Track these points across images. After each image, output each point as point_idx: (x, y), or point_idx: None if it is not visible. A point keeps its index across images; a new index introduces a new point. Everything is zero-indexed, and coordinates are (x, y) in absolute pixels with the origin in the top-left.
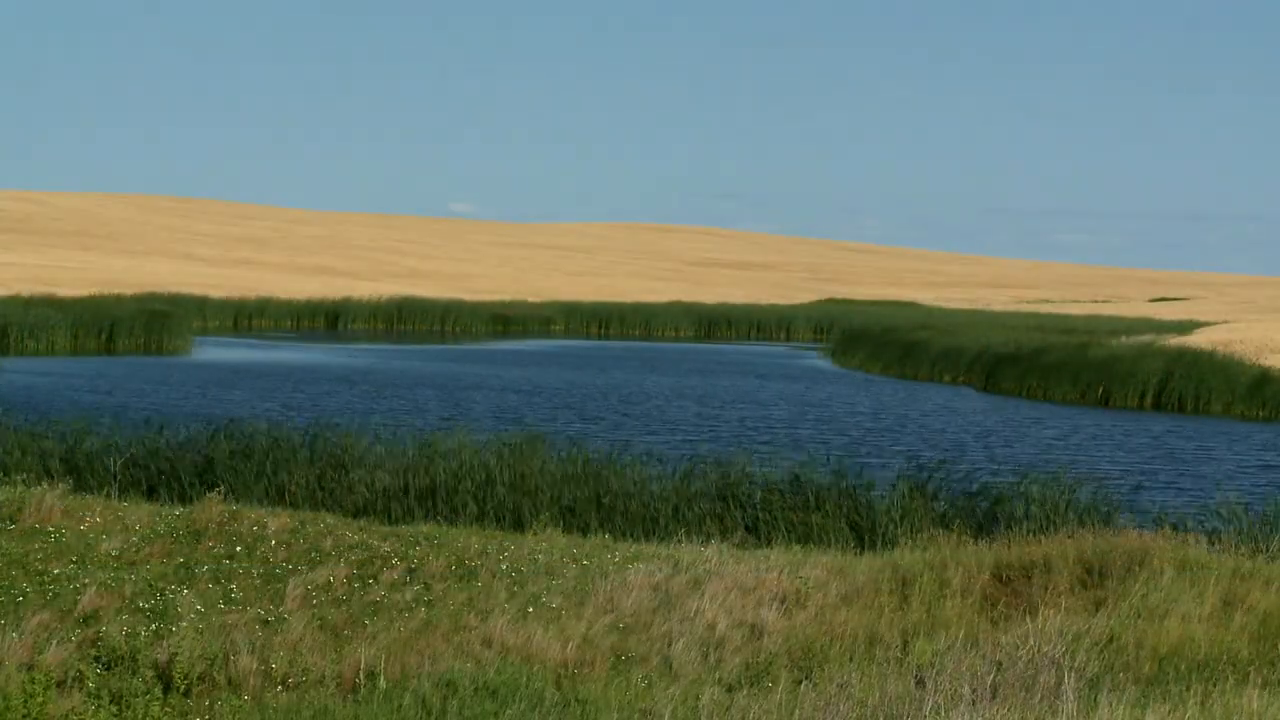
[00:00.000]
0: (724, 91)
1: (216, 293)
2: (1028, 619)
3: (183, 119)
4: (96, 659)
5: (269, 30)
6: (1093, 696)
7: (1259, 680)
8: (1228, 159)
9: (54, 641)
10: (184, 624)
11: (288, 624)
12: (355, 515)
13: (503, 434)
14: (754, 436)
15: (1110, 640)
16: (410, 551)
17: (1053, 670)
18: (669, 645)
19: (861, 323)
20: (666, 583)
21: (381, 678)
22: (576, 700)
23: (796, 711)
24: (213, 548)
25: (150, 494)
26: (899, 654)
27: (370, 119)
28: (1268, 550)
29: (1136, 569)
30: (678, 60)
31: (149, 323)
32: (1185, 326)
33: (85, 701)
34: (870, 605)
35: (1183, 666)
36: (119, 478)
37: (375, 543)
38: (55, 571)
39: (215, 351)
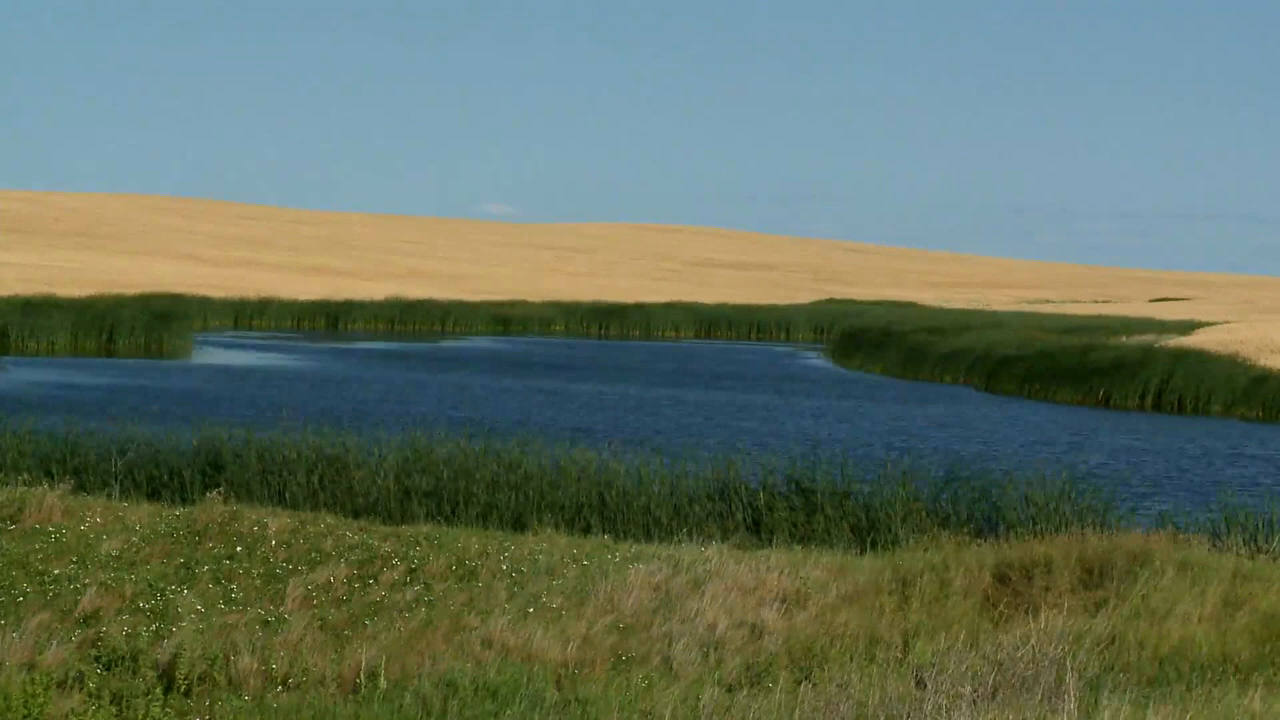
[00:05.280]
0: (724, 92)
1: (217, 293)
2: (1029, 619)
3: (183, 119)
4: (97, 659)
5: (270, 30)
6: (1094, 697)
7: (1260, 681)
8: (1227, 159)
9: (54, 642)
10: (184, 624)
11: (288, 624)
12: (355, 515)
13: (503, 435)
14: None
15: (1111, 641)
16: (410, 552)
17: (1053, 670)
18: (669, 645)
19: (862, 323)
20: (667, 583)
21: (382, 678)
22: (576, 700)
23: (796, 712)
24: (213, 548)
25: (151, 494)
26: (899, 654)
27: (371, 119)
28: (1269, 550)
29: (1138, 569)
30: (678, 62)
31: (150, 323)
32: (1186, 327)
33: (85, 702)
34: (871, 606)
35: (1184, 667)
36: (120, 478)
37: (375, 543)
38: (56, 572)
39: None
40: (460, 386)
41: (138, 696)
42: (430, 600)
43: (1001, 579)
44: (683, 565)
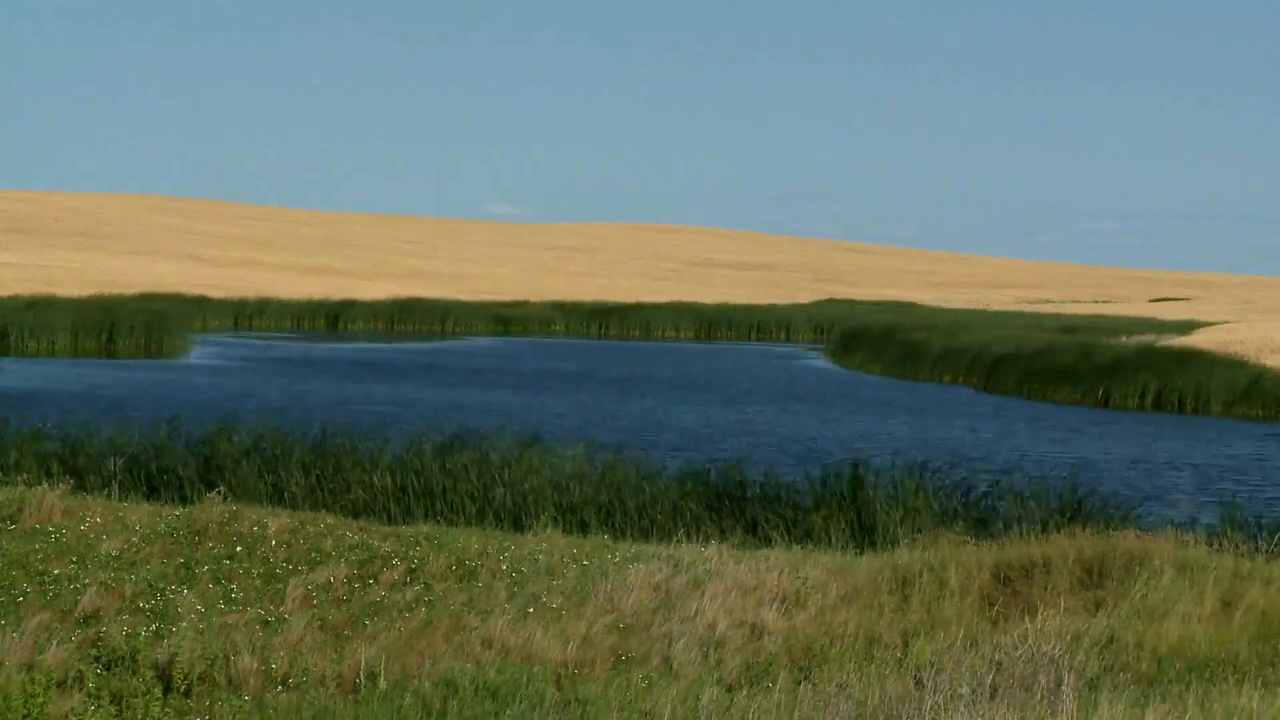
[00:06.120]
0: (724, 92)
1: (217, 293)
2: (1027, 619)
3: (183, 119)
4: (96, 659)
5: (270, 30)
6: (1092, 696)
7: (1258, 680)
8: (1227, 159)
9: (54, 642)
10: (184, 624)
11: (288, 624)
12: (355, 515)
13: (502, 434)
14: None
15: (1110, 640)
16: (410, 552)
17: (1052, 670)
18: (669, 645)
19: (862, 323)
20: (667, 583)
21: (382, 678)
22: (577, 700)
23: (796, 711)
24: (213, 548)
25: (150, 494)
26: (898, 654)
27: (371, 119)
28: (1267, 550)
29: (1136, 569)
30: (678, 62)
31: (150, 323)
32: (1185, 326)
33: (85, 701)
34: (870, 605)
35: (1182, 666)
36: (119, 478)
37: (375, 543)
38: (55, 572)
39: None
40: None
41: (137, 696)
42: (430, 600)
43: (1000, 579)
44: (683, 565)
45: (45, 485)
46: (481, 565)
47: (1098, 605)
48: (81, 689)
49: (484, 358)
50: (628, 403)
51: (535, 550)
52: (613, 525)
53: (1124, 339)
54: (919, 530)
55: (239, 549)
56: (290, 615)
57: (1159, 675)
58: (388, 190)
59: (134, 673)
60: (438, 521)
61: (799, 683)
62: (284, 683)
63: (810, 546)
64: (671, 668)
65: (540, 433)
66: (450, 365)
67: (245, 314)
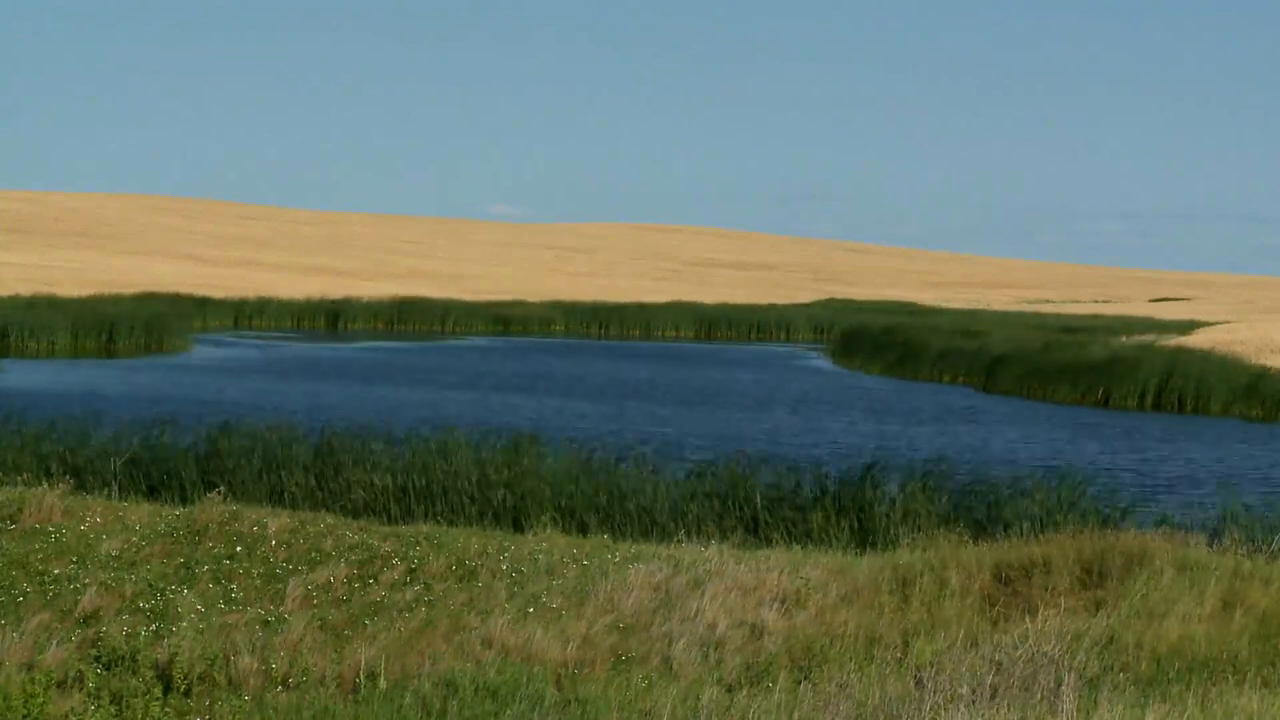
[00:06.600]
0: (724, 92)
1: (217, 293)
2: (1027, 619)
3: (183, 119)
4: (96, 659)
5: (270, 30)
6: (1092, 697)
7: (1258, 680)
8: (1227, 159)
9: (54, 641)
10: (184, 624)
11: (288, 624)
12: (355, 515)
13: (502, 434)
14: None
15: (1110, 640)
16: (410, 552)
17: (1052, 670)
18: (669, 645)
19: (861, 323)
20: (667, 583)
21: (382, 678)
22: (577, 700)
23: (796, 711)
24: (213, 548)
25: (150, 494)
26: (898, 654)
27: (371, 119)
28: (1267, 550)
29: (1136, 569)
30: (678, 62)
31: (150, 323)
32: (1185, 326)
33: (85, 701)
34: (870, 605)
35: (1182, 666)
36: (119, 478)
37: (375, 543)
38: (55, 571)
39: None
40: None
41: (137, 696)
42: (430, 600)
43: (1000, 579)
44: (683, 565)
45: (45, 485)
46: (481, 565)
47: (1098, 605)
48: (81, 689)
49: (490, 358)
50: (642, 408)
51: (535, 550)
52: (613, 525)
53: (1124, 339)
54: (919, 530)
55: (239, 549)
56: (290, 615)
57: (1159, 675)
58: (388, 190)
59: (134, 673)
60: (438, 521)
61: (799, 683)
62: (284, 683)
63: (811, 546)
64: (671, 668)
65: (541, 435)
66: (454, 366)
67: (245, 314)
